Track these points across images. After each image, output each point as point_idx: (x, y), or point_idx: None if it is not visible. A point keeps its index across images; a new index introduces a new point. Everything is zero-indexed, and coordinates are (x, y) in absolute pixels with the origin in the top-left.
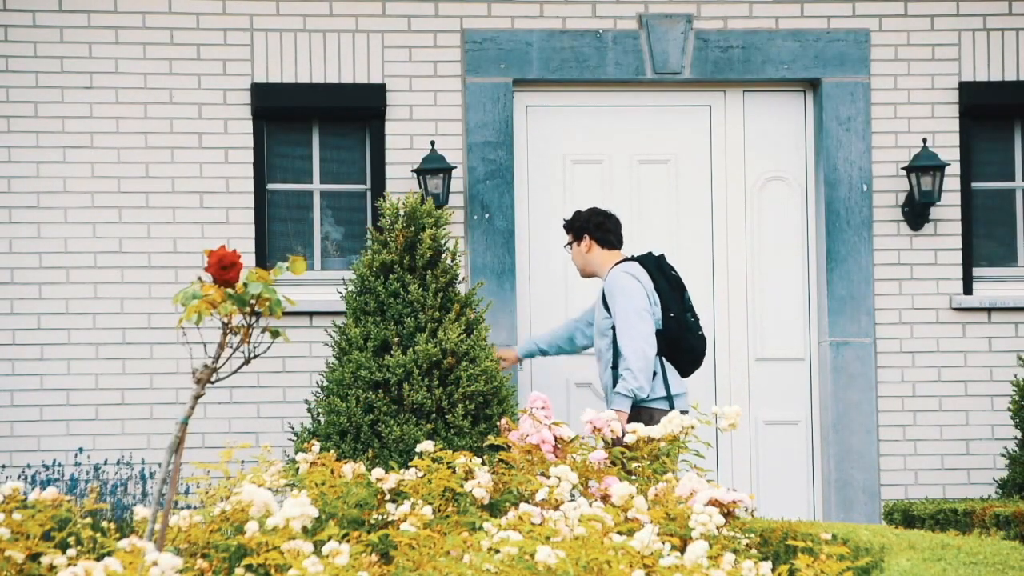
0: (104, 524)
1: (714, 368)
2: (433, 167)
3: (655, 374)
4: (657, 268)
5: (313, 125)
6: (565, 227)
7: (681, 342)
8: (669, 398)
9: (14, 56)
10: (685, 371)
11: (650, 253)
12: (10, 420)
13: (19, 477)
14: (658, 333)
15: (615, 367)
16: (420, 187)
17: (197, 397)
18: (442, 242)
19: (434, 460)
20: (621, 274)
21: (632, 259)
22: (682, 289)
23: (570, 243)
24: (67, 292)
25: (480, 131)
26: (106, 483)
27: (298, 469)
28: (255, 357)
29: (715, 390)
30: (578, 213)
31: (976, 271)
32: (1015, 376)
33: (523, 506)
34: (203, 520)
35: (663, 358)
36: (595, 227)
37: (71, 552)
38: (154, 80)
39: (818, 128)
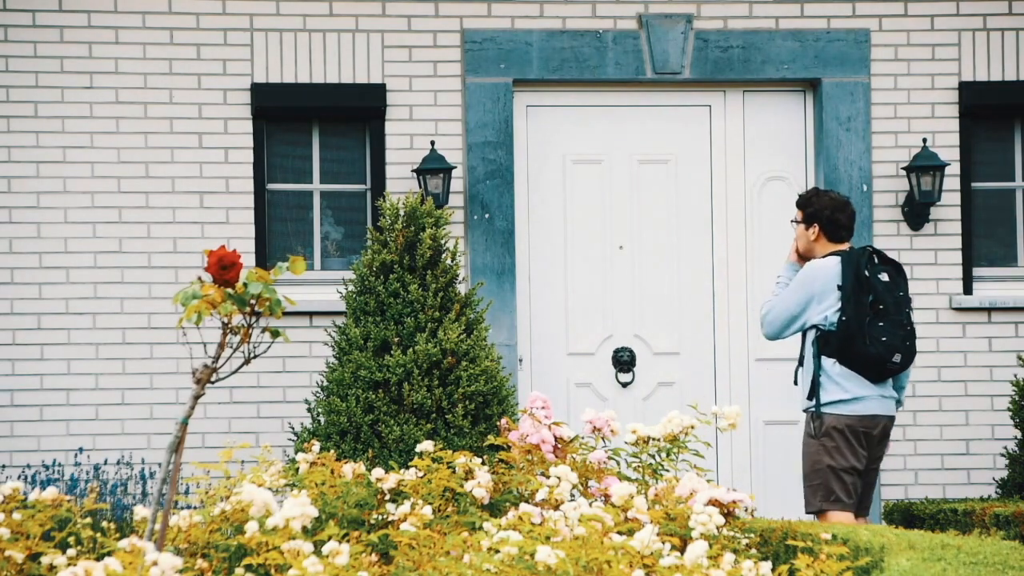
0: (104, 524)
1: (714, 368)
2: (433, 167)
3: (816, 382)
4: (852, 264)
5: (313, 125)
6: (798, 204)
7: (852, 345)
8: (823, 404)
9: (14, 56)
10: (868, 376)
11: (860, 248)
12: (10, 420)
13: (19, 477)
14: (831, 335)
15: (801, 363)
16: (420, 187)
17: (197, 397)
18: (442, 242)
19: (434, 460)
20: (811, 265)
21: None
22: (869, 290)
23: (799, 221)
24: (67, 292)
25: (480, 131)
26: (106, 483)
27: (298, 469)
28: (255, 357)
29: (715, 390)
30: (816, 194)
31: (976, 271)
32: (1015, 376)
33: (523, 506)
34: (203, 520)
35: (836, 361)
36: (827, 220)
37: (71, 552)
38: (154, 80)
39: (818, 128)
